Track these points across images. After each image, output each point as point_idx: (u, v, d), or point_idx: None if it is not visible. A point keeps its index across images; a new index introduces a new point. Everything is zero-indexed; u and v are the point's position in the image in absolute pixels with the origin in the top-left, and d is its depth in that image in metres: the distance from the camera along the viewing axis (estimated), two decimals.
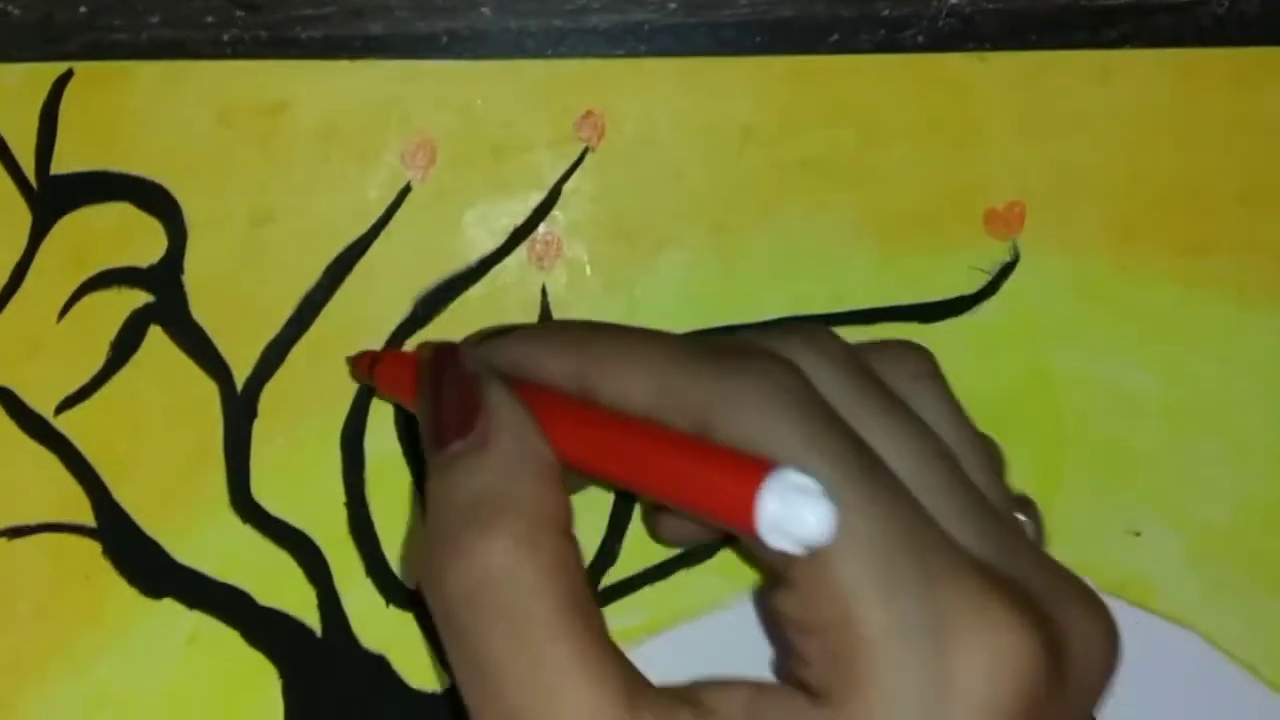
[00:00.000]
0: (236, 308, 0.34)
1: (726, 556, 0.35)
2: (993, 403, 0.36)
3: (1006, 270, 0.35)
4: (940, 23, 0.35)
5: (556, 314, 0.35)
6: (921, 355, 0.29)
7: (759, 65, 0.35)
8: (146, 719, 0.34)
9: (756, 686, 0.25)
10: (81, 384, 0.33)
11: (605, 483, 0.30)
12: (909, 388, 0.28)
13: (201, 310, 0.34)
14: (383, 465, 0.34)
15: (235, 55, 0.34)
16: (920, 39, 0.35)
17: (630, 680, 0.24)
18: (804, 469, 0.22)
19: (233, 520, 0.34)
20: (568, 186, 0.34)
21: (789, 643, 0.25)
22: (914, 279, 0.35)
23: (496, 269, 0.34)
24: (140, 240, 0.34)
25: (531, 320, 0.35)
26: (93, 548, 0.34)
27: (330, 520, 0.34)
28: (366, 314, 0.34)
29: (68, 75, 0.33)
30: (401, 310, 0.34)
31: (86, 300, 0.33)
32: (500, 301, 0.34)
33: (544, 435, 0.26)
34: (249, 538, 0.34)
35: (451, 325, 0.34)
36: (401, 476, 0.34)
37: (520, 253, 0.35)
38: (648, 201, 0.35)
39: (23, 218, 0.33)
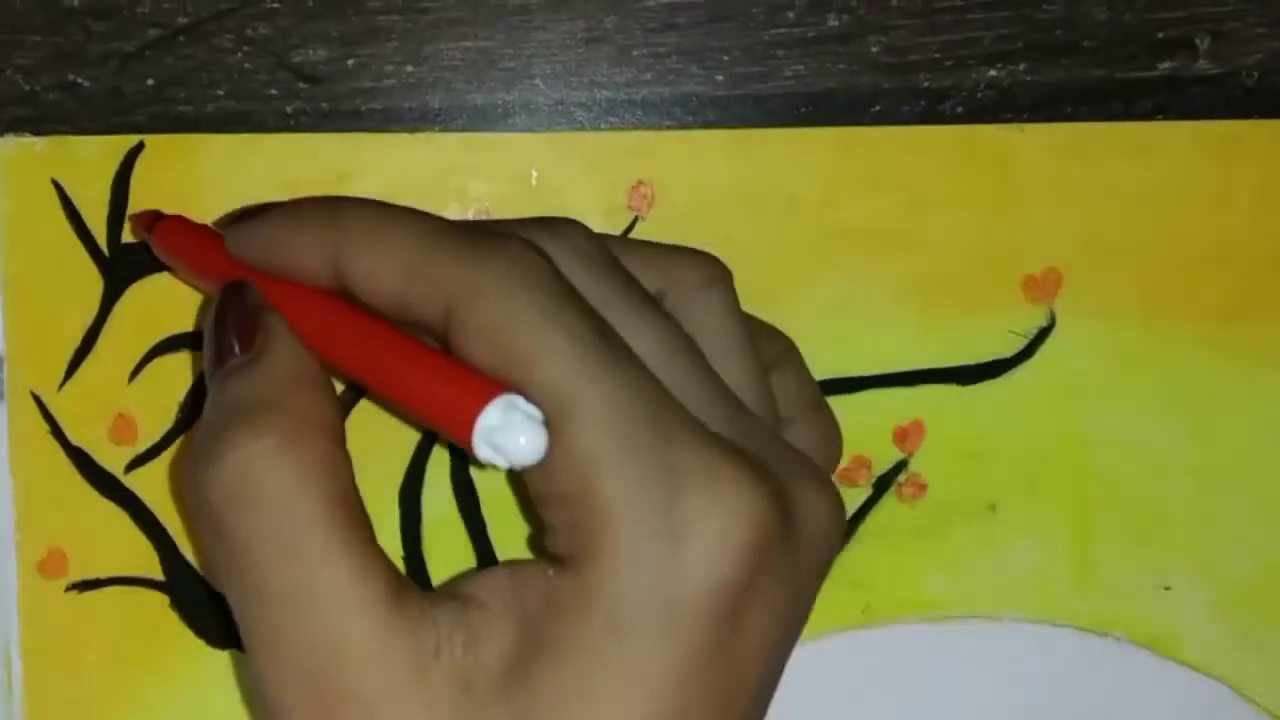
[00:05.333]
0: None
1: None
2: (1028, 462, 0.37)
3: (1043, 334, 0.36)
4: (979, 94, 0.36)
5: None
6: (711, 263, 0.30)
7: (803, 136, 0.36)
8: None
9: (512, 566, 0.26)
10: (151, 443, 0.35)
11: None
12: (695, 293, 0.29)
13: None
14: (439, 521, 0.35)
15: (298, 128, 0.35)
16: (959, 110, 0.36)
17: (395, 579, 0.25)
18: (533, 378, 0.24)
19: None
20: None
21: (540, 517, 0.26)
22: (953, 342, 0.36)
23: None
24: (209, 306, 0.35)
25: None
26: (161, 600, 0.35)
27: None
28: None
29: (139, 147, 0.34)
30: None
31: (156, 363, 0.35)
32: None
33: (312, 353, 0.27)
34: None
35: None
36: (458, 532, 0.35)
37: None
38: None
39: (95, 284, 0.34)
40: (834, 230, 0.36)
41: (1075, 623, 0.37)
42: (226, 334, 0.27)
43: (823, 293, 0.36)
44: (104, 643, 0.35)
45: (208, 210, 0.34)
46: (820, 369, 0.36)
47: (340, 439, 0.26)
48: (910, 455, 0.37)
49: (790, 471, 0.26)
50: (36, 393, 0.35)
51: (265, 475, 0.25)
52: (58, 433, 0.35)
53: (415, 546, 0.35)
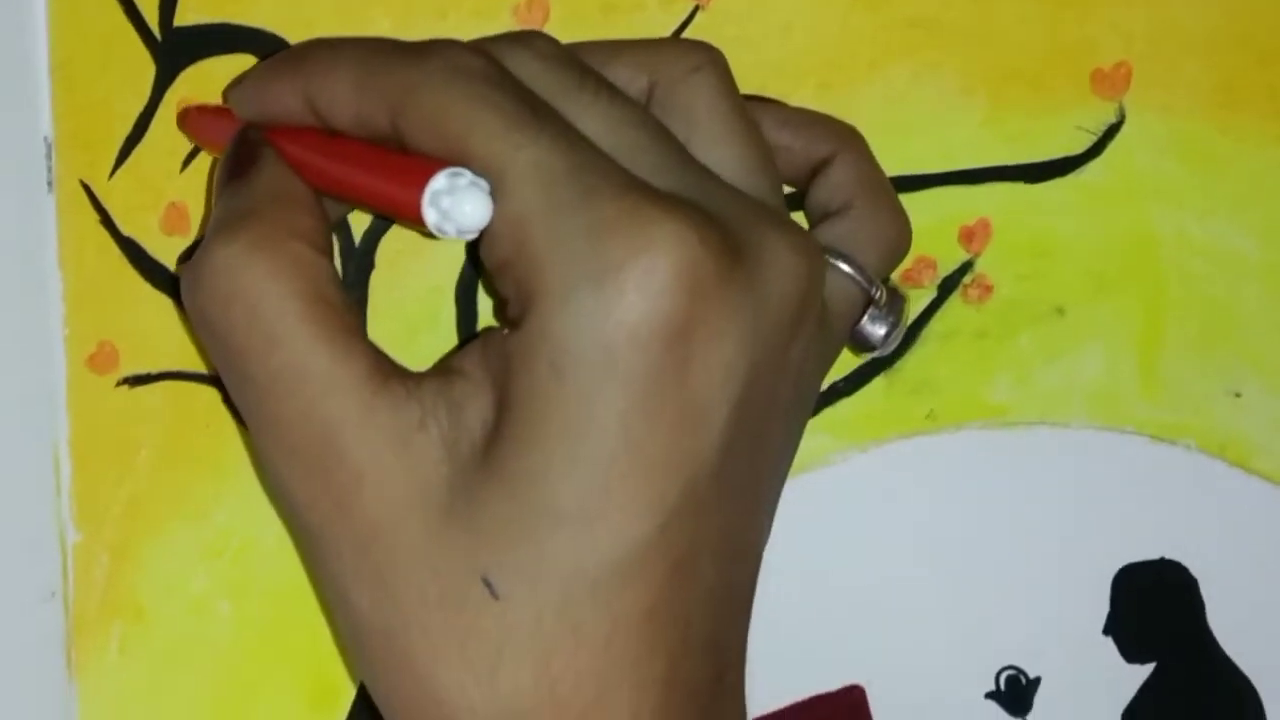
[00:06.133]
0: None
1: (834, 414, 0.36)
2: (1096, 263, 0.36)
3: (1112, 131, 0.36)
4: None
5: None
6: (698, 49, 0.31)
7: None
8: (264, 565, 0.34)
9: (485, 335, 0.28)
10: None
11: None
12: (681, 80, 0.30)
13: None
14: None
15: None
16: None
17: (379, 363, 0.27)
18: (467, 155, 0.26)
19: None
20: None
21: (496, 291, 0.28)
22: (1020, 139, 0.36)
23: None
24: None
25: None
26: (212, 395, 0.34)
27: None
28: None
29: None
30: None
31: None
32: None
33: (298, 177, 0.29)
34: None
35: None
36: None
37: None
38: (756, 59, 0.35)
39: (146, 69, 0.34)
40: (899, 20, 0.35)
41: (1144, 430, 0.36)
42: (227, 164, 0.30)
43: (887, 86, 0.35)
44: (155, 440, 0.34)
45: None
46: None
47: (318, 246, 0.28)
48: (976, 255, 0.36)
49: (747, 218, 0.27)
50: (86, 181, 0.34)
51: (241, 273, 0.27)
52: (108, 222, 0.34)
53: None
